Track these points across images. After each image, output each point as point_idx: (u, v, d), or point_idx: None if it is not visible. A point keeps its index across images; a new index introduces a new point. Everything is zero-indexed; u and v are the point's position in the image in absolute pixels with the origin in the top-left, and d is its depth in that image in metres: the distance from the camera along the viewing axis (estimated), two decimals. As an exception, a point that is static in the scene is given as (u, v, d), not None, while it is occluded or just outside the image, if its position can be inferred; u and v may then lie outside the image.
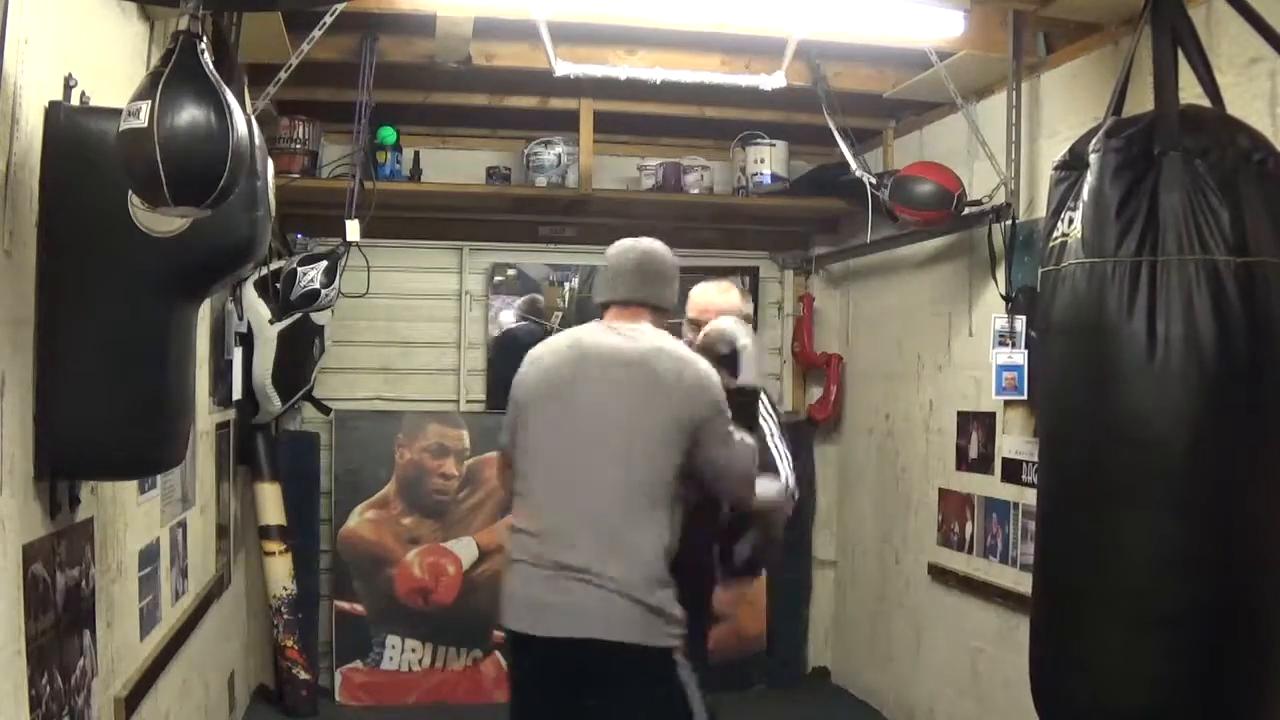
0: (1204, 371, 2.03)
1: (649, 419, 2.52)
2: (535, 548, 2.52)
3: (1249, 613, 2.07)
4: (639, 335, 2.65)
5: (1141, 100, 2.27)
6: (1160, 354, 2.04)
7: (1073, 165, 2.26)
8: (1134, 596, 2.09)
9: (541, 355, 2.71)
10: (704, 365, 2.64)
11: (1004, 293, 3.72)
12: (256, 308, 4.08)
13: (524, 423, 2.65)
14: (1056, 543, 2.30)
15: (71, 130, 1.96)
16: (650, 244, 2.77)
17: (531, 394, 2.66)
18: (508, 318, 5.14)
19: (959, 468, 4.11)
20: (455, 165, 4.89)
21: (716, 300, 3.11)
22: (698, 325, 3.01)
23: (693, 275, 5.35)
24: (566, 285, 5.21)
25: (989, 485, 3.90)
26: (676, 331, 2.86)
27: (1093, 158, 2.17)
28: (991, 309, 3.79)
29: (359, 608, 4.81)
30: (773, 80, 3.74)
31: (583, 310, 5.21)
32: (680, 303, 2.92)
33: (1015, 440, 3.74)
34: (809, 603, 5.30)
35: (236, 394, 4.00)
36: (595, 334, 2.70)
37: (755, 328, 5.22)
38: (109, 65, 2.35)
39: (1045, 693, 2.30)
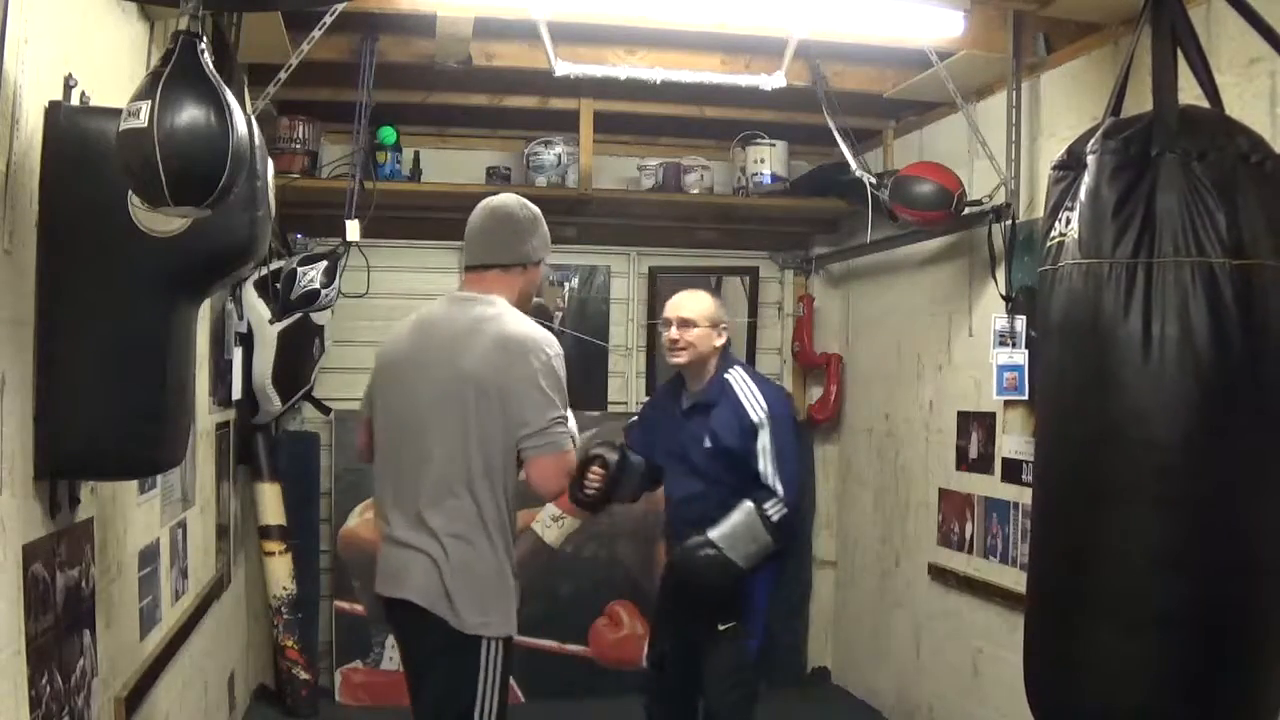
0: (1199, 373, 2.03)
1: (464, 400, 2.55)
2: (381, 520, 2.70)
3: (1243, 613, 2.07)
4: (474, 304, 2.66)
5: (1141, 100, 2.27)
6: (1156, 355, 2.04)
7: (1070, 165, 2.26)
8: (1129, 596, 2.09)
9: (395, 332, 2.80)
10: (530, 335, 2.61)
11: (1004, 293, 3.72)
12: (256, 308, 4.08)
13: (373, 399, 2.77)
14: (1051, 542, 2.30)
15: (71, 130, 1.96)
16: (499, 202, 2.78)
17: (377, 373, 2.77)
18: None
19: (959, 468, 4.11)
20: (455, 165, 4.89)
21: (684, 304, 3.40)
22: (670, 324, 3.38)
23: (692, 276, 5.39)
24: (566, 285, 5.22)
25: (989, 485, 3.90)
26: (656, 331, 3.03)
27: (1090, 158, 2.17)
28: (991, 309, 3.79)
29: (359, 608, 4.81)
30: (773, 80, 3.75)
31: (586, 309, 5.22)
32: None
33: (1015, 440, 3.74)
34: (809, 602, 5.30)
35: (236, 394, 4.00)
36: (437, 308, 2.74)
37: (753, 327, 5.27)
38: (109, 65, 2.36)
39: (1040, 692, 2.30)
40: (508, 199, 2.80)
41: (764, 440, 3.29)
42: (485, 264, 2.71)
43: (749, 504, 3.24)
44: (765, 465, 3.28)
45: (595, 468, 2.96)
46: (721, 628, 3.36)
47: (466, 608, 2.53)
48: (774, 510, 3.24)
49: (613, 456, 2.97)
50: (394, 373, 2.70)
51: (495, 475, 2.56)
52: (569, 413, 2.63)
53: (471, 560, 2.55)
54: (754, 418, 3.30)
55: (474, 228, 2.75)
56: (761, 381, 3.44)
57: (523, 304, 2.76)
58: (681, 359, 3.38)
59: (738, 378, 3.40)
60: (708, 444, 3.35)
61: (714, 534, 3.23)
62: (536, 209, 2.82)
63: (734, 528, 3.25)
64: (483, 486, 2.55)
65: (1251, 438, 2.07)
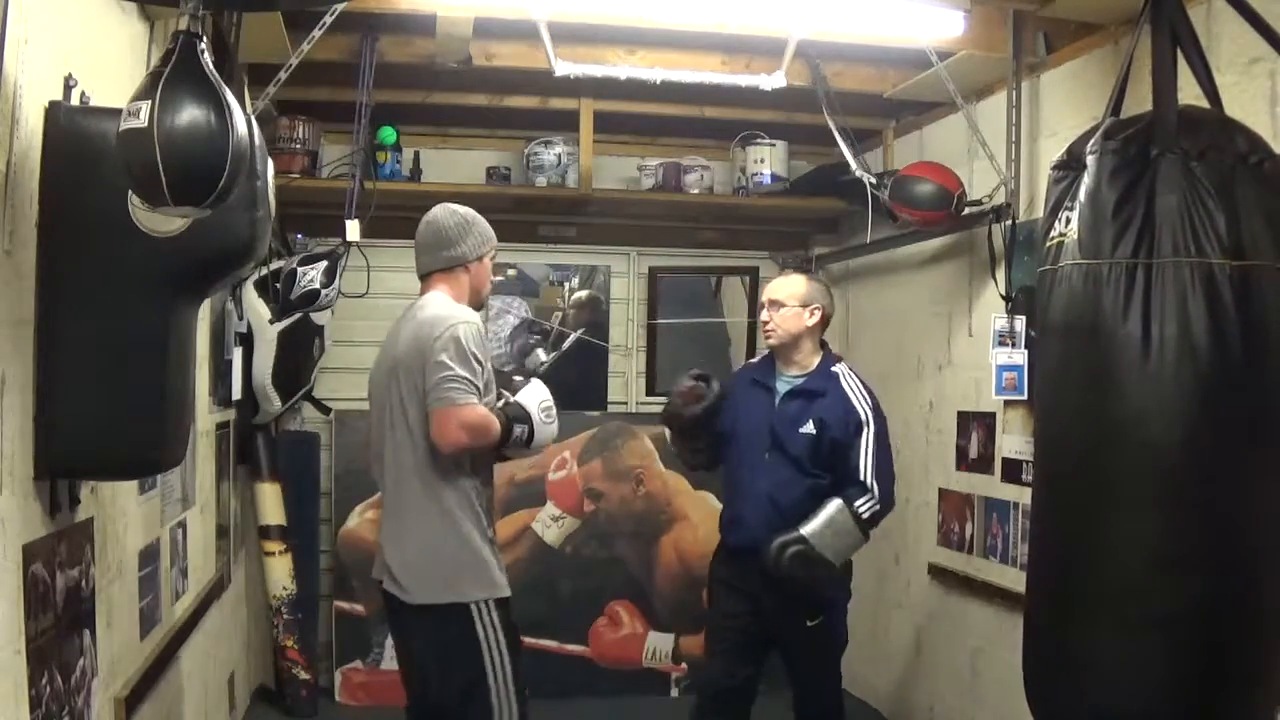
0: (1198, 373, 2.03)
1: (397, 389, 2.81)
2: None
3: (1243, 613, 2.07)
4: (418, 308, 2.93)
5: (1141, 100, 2.27)
6: (1155, 356, 2.04)
7: (1070, 165, 2.26)
8: (1128, 597, 2.09)
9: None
10: (439, 315, 2.83)
11: (1004, 293, 3.73)
12: (256, 308, 4.08)
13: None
14: (1051, 542, 2.30)
15: (71, 130, 1.96)
16: (429, 215, 3.06)
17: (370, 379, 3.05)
18: (510, 321, 5.14)
19: (959, 468, 4.11)
20: (455, 165, 4.89)
21: (777, 286, 3.50)
22: (762, 307, 3.52)
23: (692, 276, 5.39)
24: (566, 285, 5.22)
25: (989, 485, 3.90)
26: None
27: (1090, 158, 2.17)
28: (991, 309, 3.79)
29: (359, 608, 4.81)
30: (773, 80, 3.75)
31: (593, 309, 5.22)
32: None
33: (1015, 440, 3.74)
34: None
35: (236, 394, 4.00)
36: (399, 316, 3.02)
37: (753, 327, 5.26)
38: (109, 65, 2.35)
39: (1039, 693, 2.30)
40: (436, 211, 3.06)
41: (867, 438, 3.32)
42: (428, 271, 3.01)
43: (839, 500, 3.26)
44: (864, 462, 3.31)
45: (697, 383, 3.48)
46: (810, 623, 3.37)
47: (427, 585, 2.77)
48: (866, 507, 3.27)
49: (715, 383, 3.51)
50: (370, 382, 3.02)
51: (438, 454, 2.76)
52: (482, 377, 2.80)
53: (428, 538, 2.78)
54: (861, 415, 3.34)
55: (416, 243, 3.06)
56: (863, 381, 3.46)
57: (474, 298, 3.02)
58: (772, 340, 3.47)
59: (845, 371, 3.44)
60: (810, 430, 3.34)
61: (806, 530, 3.22)
62: (467, 212, 3.06)
63: (826, 524, 3.24)
64: (428, 467, 2.77)
65: (1250, 437, 2.07)
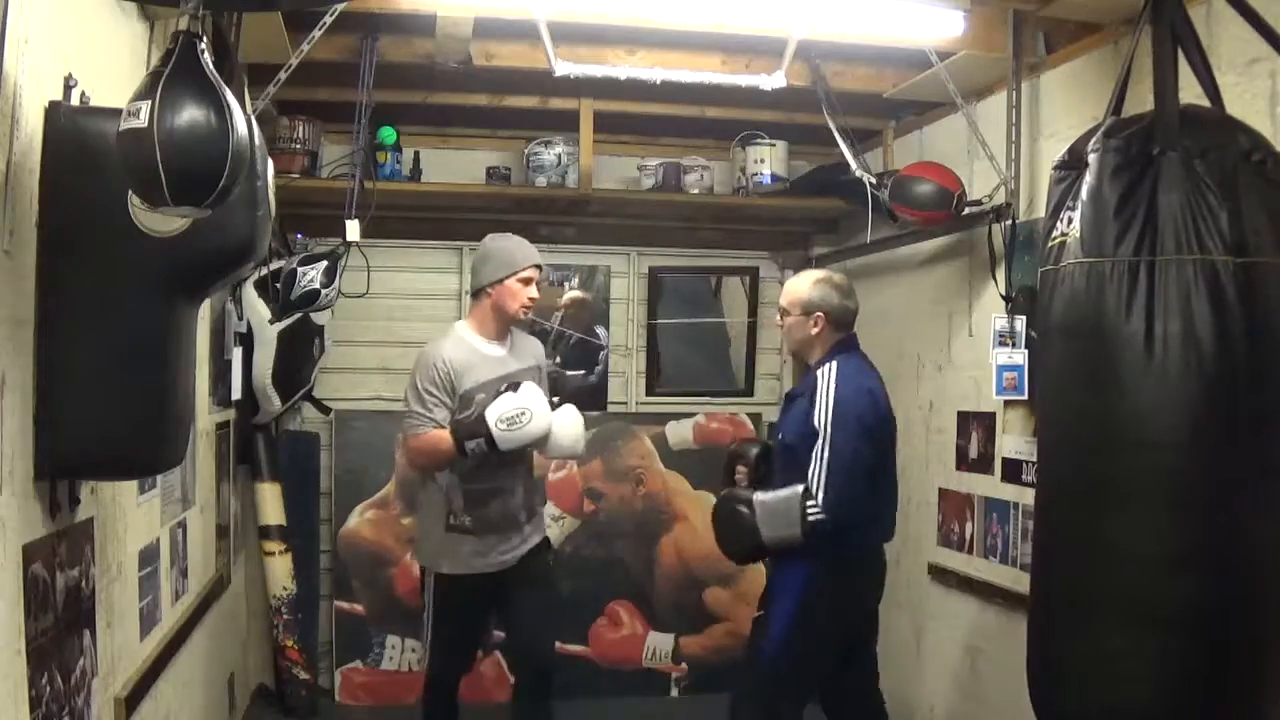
0: (1202, 371, 2.03)
1: None
2: None
3: (1246, 613, 2.07)
4: None
5: (1141, 100, 2.27)
6: (1158, 354, 2.04)
7: (1072, 165, 2.26)
8: (1132, 596, 2.09)
9: None
10: (419, 359, 3.51)
11: (1004, 293, 3.72)
12: (256, 308, 4.08)
13: None
14: (1054, 542, 2.30)
15: (71, 130, 1.96)
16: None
17: None
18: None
19: (959, 468, 4.11)
20: (455, 165, 4.89)
21: (784, 291, 3.52)
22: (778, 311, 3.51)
23: (692, 276, 5.38)
24: (566, 285, 5.22)
25: (989, 485, 3.90)
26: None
27: (1091, 157, 2.17)
28: (991, 309, 3.79)
29: (359, 608, 4.81)
30: (773, 80, 3.74)
31: (592, 309, 5.22)
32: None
33: (1015, 440, 3.74)
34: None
35: (236, 394, 4.00)
36: None
37: (753, 327, 5.27)
38: (109, 65, 2.35)
39: (1042, 693, 2.30)
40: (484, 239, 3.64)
41: (820, 448, 3.16)
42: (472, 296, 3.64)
43: (800, 488, 3.15)
44: (812, 472, 3.15)
45: (740, 465, 3.53)
46: (758, 612, 3.39)
47: (418, 551, 3.71)
48: (813, 512, 3.14)
49: (753, 451, 3.54)
50: None
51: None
52: (432, 407, 3.40)
53: (420, 520, 3.67)
54: (816, 421, 3.19)
55: None
56: (849, 380, 3.25)
57: (500, 317, 3.52)
58: (786, 351, 3.43)
59: (827, 372, 3.27)
60: (780, 437, 3.37)
61: (758, 497, 3.21)
62: (491, 240, 3.62)
63: (776, 502, 3.19)
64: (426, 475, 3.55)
65: (1255, 436, 2.07)
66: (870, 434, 3.21)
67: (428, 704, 3.68)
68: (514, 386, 3.38)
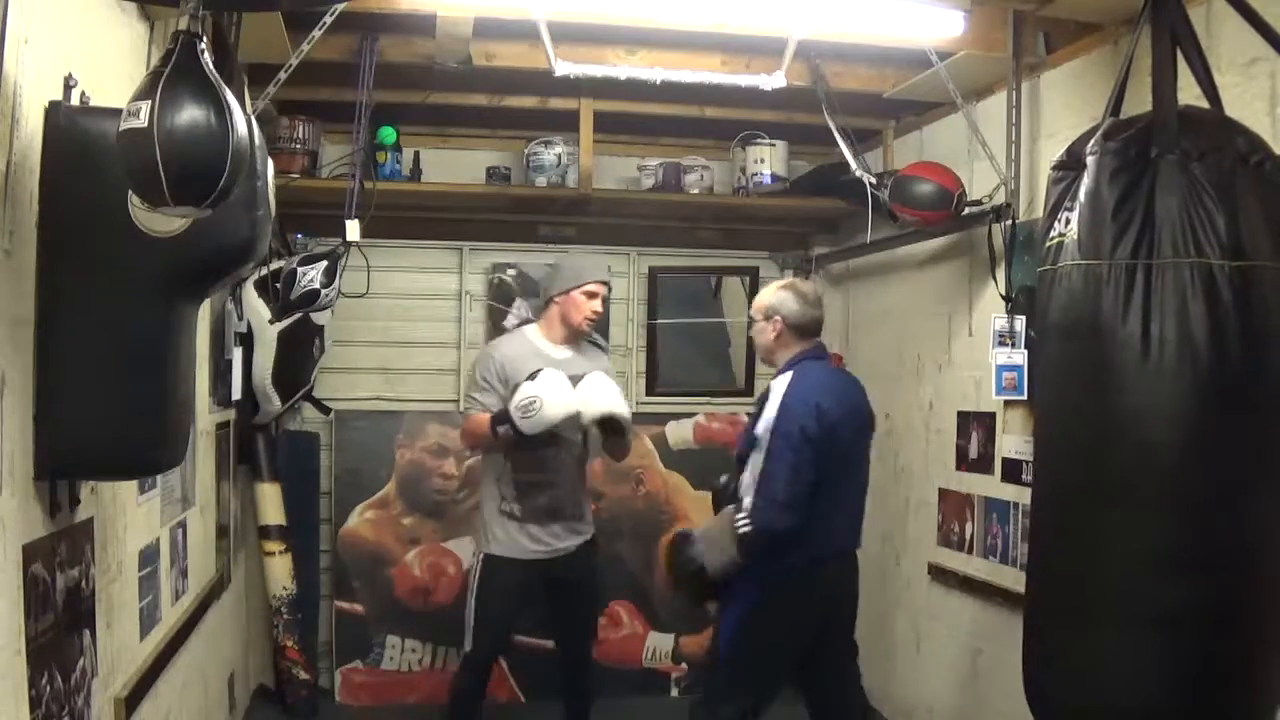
0: (1198, 373, 2.03)
1: None
2: None
3: (1243, 613, 2.07)
4: None
5: (1141, 100, 2.27)
6: (1155, 356, 2.05)
7: (1070, 166, 2.26)
8: (1129, 596, 2.09)
9: None
10: (486, 346, 4.17)
11: (1004, 293, 3.72)
12: (256, 308, 4.07)
13: None
14: (1051, 542, 2.30)
15: (71, 130, 1.96)
16: None
17: None
18: (510, 321, 5.12)
19: (959, 468, 4.11)
20: (455, 165, 4.89)
21: (755, 298, 3.56)
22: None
23: (692, 276, 5.38)
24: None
25: (989, 485, 3.90)
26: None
27: (1090, 159, 2.18)
28: (991, 309, 3.79)
29: (359, 608, 4.81)
30: (773, 80, 3.74)
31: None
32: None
33: (1015, 440, 3.74)
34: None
35: (236, 394, 4.00)
36: None
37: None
38: (109, 65, 2.36)
39: (1040, 693, 2.30)
40: None
41: (757, 457, 3.17)
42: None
43: (730, 509, 3.19)
44: (745, 484, 3.19)
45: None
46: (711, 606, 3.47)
47: (477, 535, 3.96)
48: (741, 524, 3.13)
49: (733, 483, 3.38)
50: None
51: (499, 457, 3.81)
52: (483, 392, 3.73)
53: (480, 506, 3.91)
54: (758, 430, 3.21)
55: None
56: (797, 392, 3.20)
57: (566, 325, 3.83)
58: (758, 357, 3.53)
59: (780, 383, 3.25)
60: (737, 449, 3.37)
61: (696, 532, 3.31)
62: (563, 257, 4.26)
63: (711, 527, 3.28)
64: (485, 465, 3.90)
65: (1250, 437, 2.07)
66: (812, 445, 3.13)
67: (459, 681, 3.85)
68: (532, 376, 3.57)
